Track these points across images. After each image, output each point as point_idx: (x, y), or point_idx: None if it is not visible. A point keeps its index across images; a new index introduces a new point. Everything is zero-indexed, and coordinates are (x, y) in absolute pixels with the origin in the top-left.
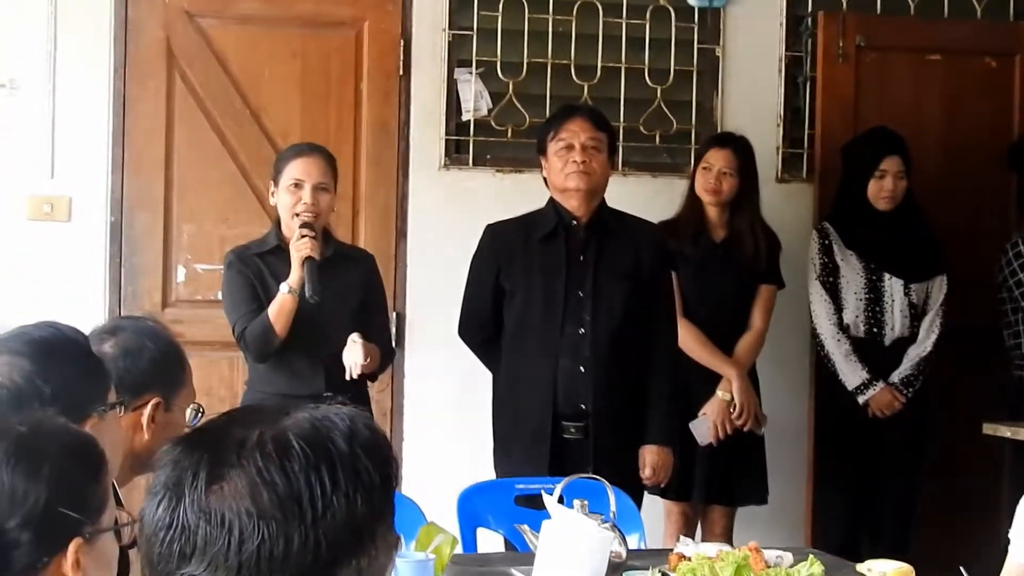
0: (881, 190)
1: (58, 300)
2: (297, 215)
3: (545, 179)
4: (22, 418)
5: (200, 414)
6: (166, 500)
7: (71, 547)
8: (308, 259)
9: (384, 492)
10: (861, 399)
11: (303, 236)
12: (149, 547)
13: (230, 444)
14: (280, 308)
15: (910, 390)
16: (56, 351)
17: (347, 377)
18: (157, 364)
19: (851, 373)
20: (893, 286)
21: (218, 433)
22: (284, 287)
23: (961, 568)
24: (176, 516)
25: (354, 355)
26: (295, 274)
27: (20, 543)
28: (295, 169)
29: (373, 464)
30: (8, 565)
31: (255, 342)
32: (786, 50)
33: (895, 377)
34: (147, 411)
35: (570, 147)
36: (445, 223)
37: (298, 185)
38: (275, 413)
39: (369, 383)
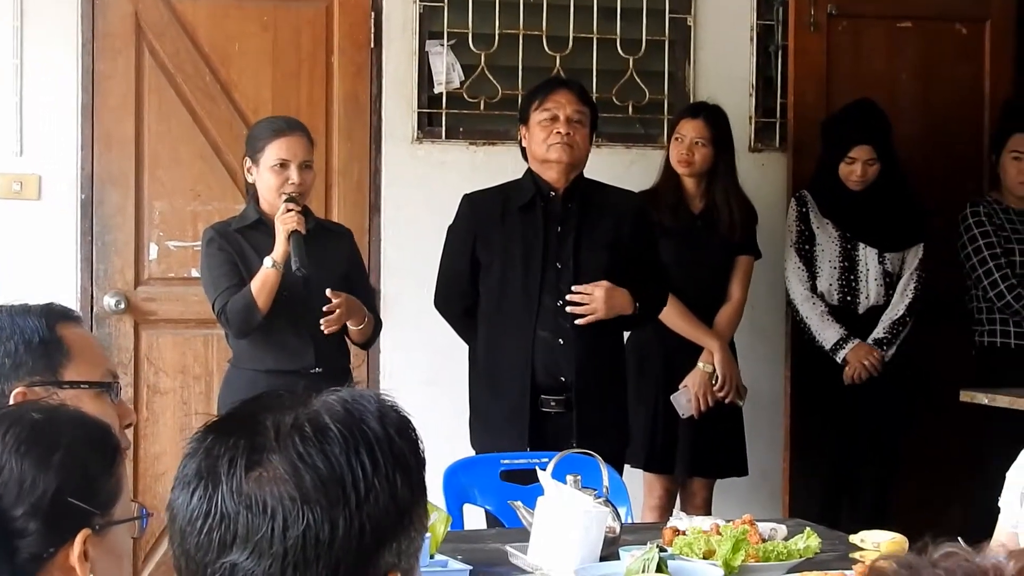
0: (851, 174)
1: (30, 279)
2: (283, 194)
3: (523, 149)
4: (38, 406)
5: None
6: (200, 488)
7: (79, 538)
8: (294, 232)
9: (419, 473)
10: (839, 356)
11: (289, 210)
12: (184, 538)
13: (265, 429)
14: (263, 282)
15: (885, 350)
16: None
17: (324, 330)
18: None
19: (827, 331)
20: (868, 255)
21: (248, 419)
22: (268, 261)
23: (960, 540)
24: (213, 504)
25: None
26: (280, 248)
27: (27, 532)
28: (279, 149)
29: (407, 445)
30: (14, 554)
31: (237, 317)
32: (757, 19)
33: (869, 340)
34: None
35: (554, 118)
36: (419, 197)
37: (284, 165)
38: (301, 397)
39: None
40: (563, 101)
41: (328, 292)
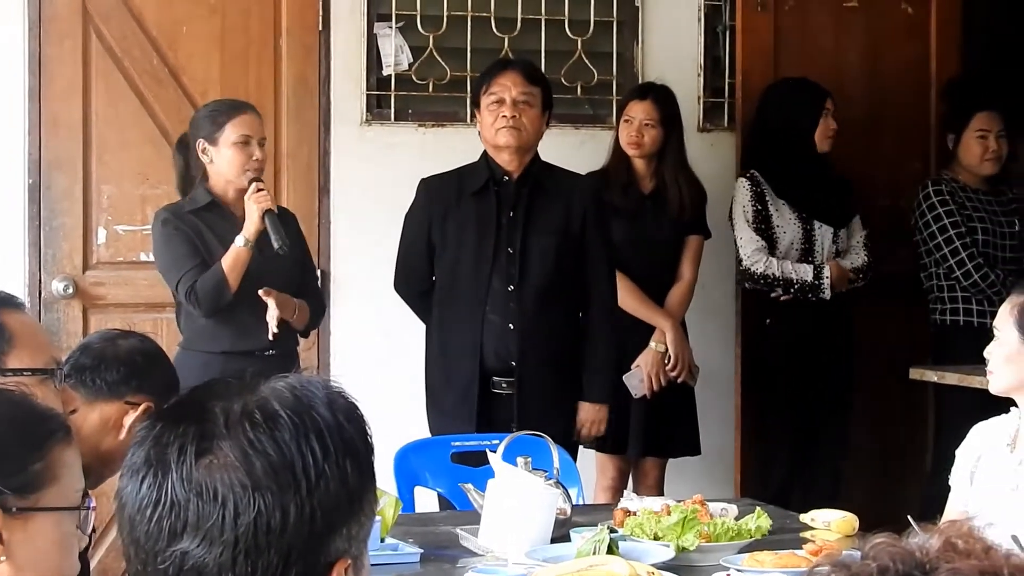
0: (827, 130)
1: None
2: (247, 171)
3: (480, 133)
4: None
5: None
6: (150, 476)
7: None
8: (268, 211)
9: (368, 458)
10: (823, 282)
11: (260, 189)
12: (133, 526)
13: (214, 416)
14: (235, 260)
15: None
16: None
17: (269, 335)
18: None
19: (800, 269)
20: (823, 234)
21: (197, 406)
22: (240, 240)
23: (909, 518)
24: (164, 492)
25: (270, 311)
26: (253, 227)
27: None
28: (242, 125)
29: (356, 431)
30: None
31: (208, 295)
32: None
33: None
34: (136, 414)
35: (500, 101)
36: (368, 179)
37: (247, 142)
38: (249, 383)
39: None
40: (508, 83)
41: (260, 292)
